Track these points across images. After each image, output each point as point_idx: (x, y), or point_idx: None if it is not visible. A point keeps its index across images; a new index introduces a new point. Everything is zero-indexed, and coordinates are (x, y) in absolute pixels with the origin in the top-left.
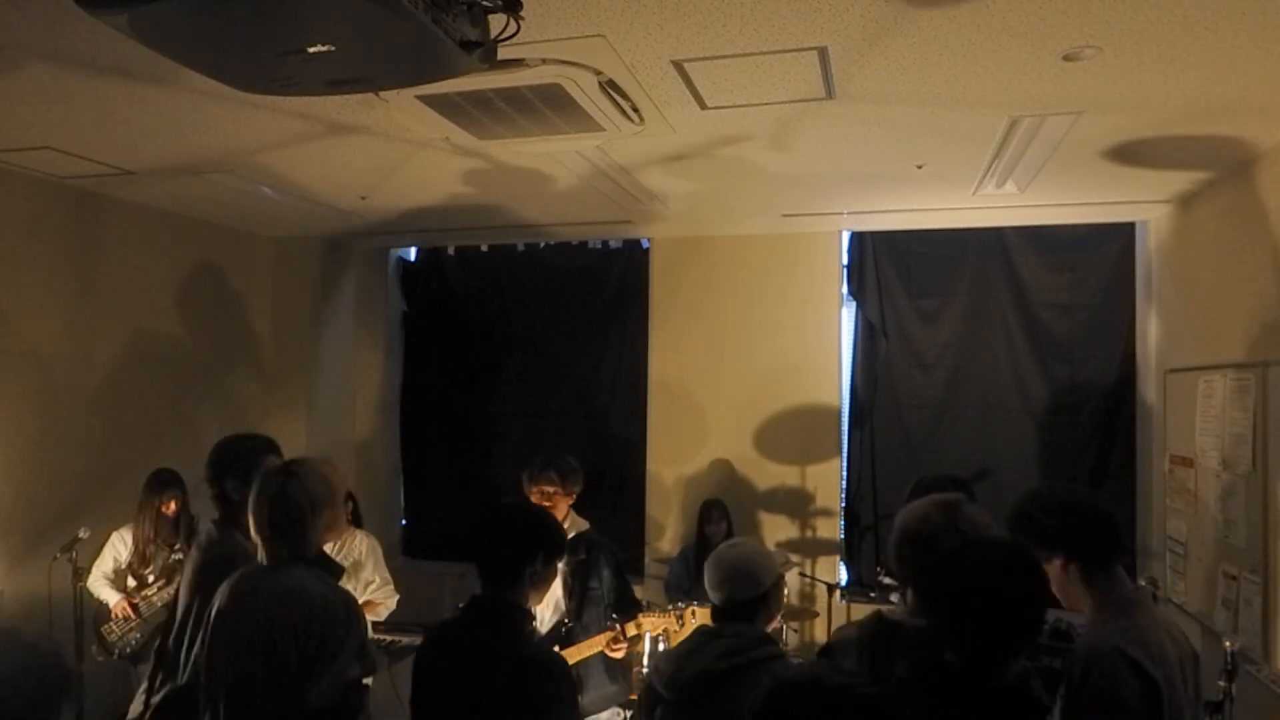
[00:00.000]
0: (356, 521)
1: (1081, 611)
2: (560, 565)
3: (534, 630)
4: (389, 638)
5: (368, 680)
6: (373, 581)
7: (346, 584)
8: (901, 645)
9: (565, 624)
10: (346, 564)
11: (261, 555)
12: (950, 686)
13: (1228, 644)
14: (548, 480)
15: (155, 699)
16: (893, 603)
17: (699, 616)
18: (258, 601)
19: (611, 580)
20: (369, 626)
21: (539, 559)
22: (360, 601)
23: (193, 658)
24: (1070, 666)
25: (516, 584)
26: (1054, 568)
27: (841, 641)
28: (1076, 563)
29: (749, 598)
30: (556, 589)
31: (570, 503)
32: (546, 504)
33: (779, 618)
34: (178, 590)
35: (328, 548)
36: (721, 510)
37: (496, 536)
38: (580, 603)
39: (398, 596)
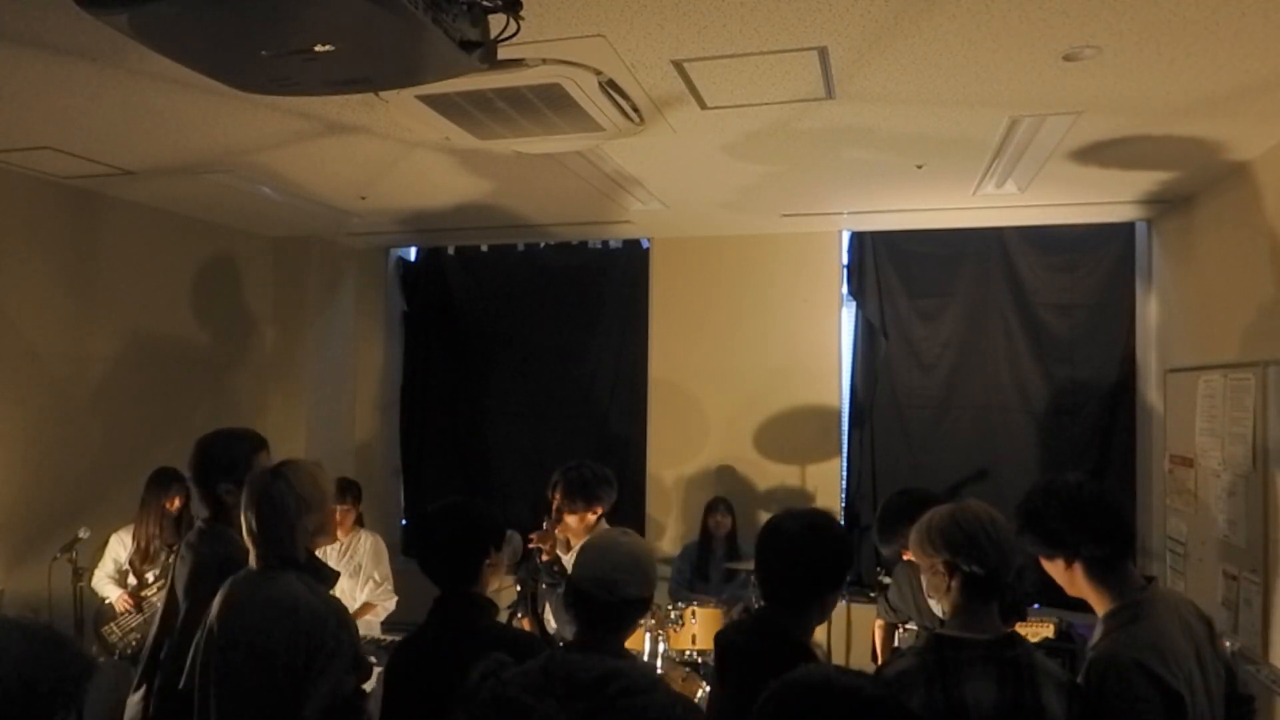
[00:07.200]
0: (359, 521)
1: (1078, 611)
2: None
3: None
4: (388, 638)
5: (366, 685)
6: (371, 581)
7: (353, 588)
8: (973, 663)
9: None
10: (350, 566)
11: (251, 559)
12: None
13: (1228, 644)
14: (577, 508)
15: (150, 703)
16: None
17: (699, 617)
18: (247, 611)
19: None
20: (358, 632)
21: (490, 551)
22: (359, 603)
23: (189, 664)
24: (1087, 677)
25: (478, 578)
26: (1055, 566)
27: (901, 676)
28: (1084, 564)
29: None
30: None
31: (597, 517)
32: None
33: None
34: (170, 591)
35: (332, 546)
36: (726, 506)
37: (451, 538)
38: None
39: (396, 598)
